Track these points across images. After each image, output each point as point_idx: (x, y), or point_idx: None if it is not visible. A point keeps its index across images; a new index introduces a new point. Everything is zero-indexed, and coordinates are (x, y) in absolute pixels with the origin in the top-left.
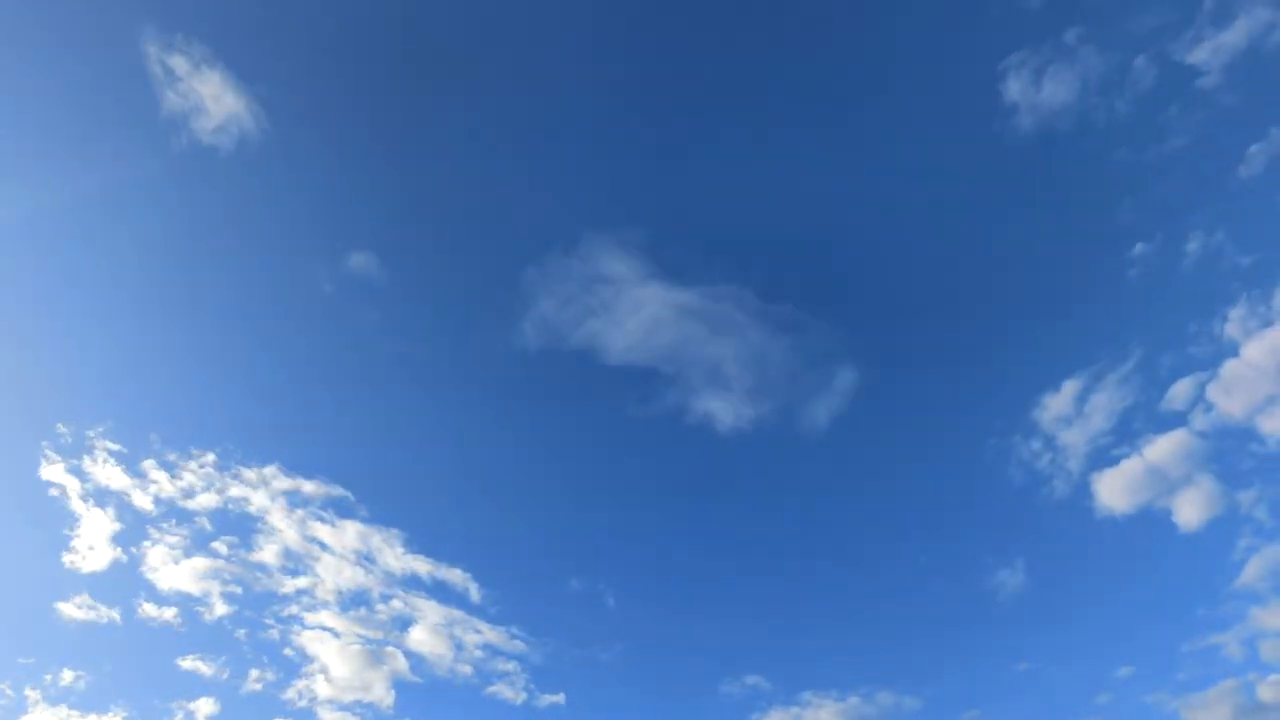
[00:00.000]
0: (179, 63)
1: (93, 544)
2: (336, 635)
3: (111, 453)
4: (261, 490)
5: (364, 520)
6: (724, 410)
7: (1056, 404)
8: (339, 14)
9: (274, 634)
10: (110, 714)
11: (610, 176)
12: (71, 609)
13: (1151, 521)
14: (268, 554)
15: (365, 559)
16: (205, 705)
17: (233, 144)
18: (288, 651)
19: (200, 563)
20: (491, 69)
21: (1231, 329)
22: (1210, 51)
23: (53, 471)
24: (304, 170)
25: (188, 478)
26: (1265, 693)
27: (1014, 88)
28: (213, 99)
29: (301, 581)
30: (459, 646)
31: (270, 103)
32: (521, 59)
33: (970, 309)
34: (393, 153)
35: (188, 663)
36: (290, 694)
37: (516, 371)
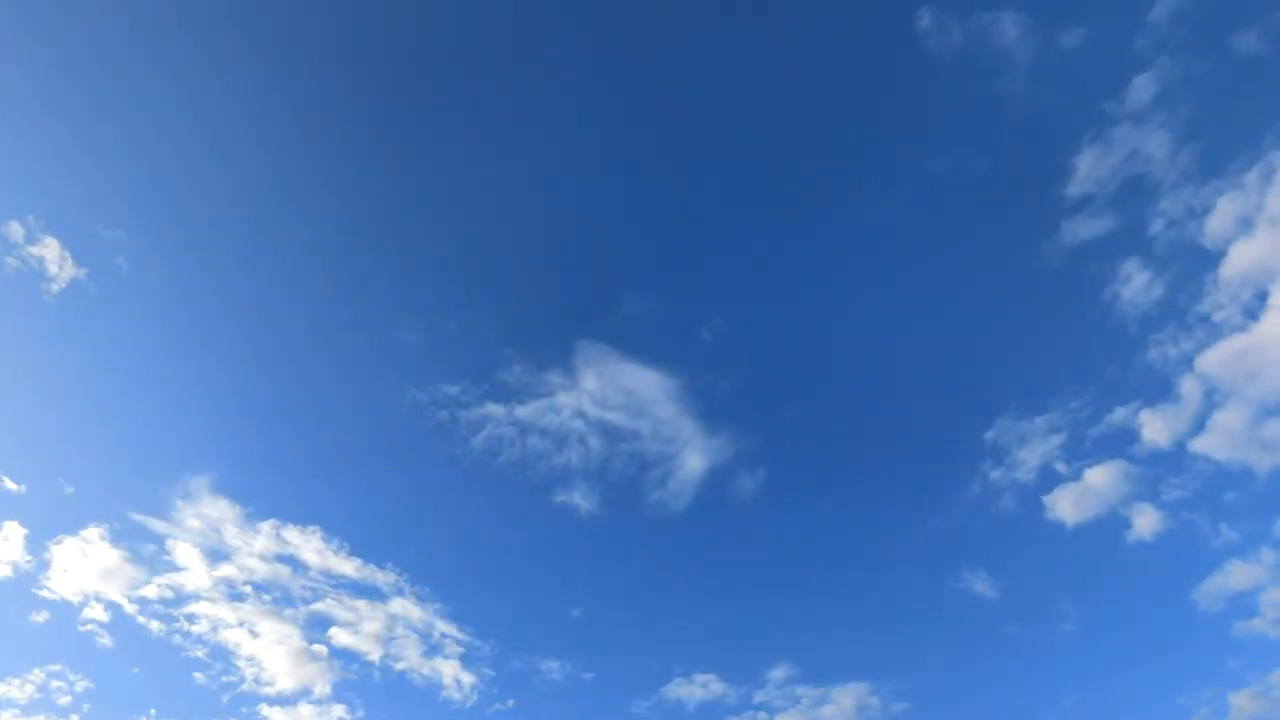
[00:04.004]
0: (14, 230)
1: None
2: (256, 635)
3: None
4: (164, 489)
5: (283, 518)
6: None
7: (1003, 429)
8: (167, 168)
9: (198, 631)
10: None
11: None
12: None
13: (1108, 532)
14: (184, 554)
15: (287, 558)
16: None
17: (78, 305)
18: (226, 653)
19: (115, 565)
20: (321, 216)
21: (1158, 356)
22: (1121, 100)
23: None
24: (153, 324)
25: (92, 484)
26: (1239, 702)
27: (937, 129)
28: (54, 264)
29: (221, 577)
30: (398, 647)
31: (111, 268)
32: (353, 202)
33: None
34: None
35: (119, 667)
36: (224, 695)
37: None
